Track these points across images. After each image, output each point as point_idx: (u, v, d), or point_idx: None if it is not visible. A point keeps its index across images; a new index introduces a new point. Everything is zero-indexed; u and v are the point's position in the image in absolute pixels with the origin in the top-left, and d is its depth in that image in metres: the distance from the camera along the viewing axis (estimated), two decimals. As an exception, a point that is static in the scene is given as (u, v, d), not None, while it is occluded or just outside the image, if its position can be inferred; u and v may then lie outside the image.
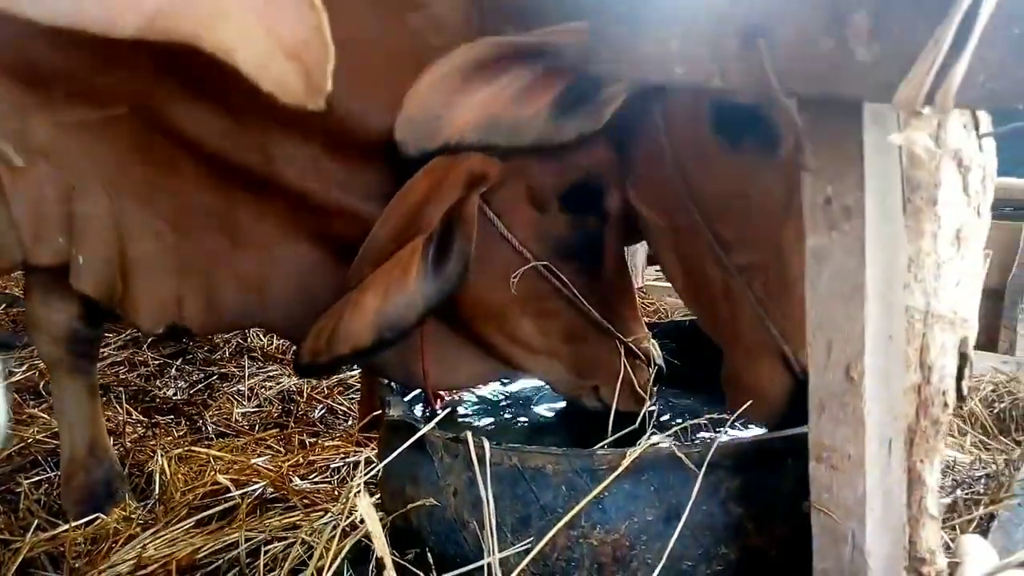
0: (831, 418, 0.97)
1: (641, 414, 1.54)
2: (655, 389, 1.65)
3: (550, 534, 1.19)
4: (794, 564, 1.30)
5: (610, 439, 1.45)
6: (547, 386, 1.78)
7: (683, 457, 1.23)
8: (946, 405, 1.17)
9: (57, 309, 1.73)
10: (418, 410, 1.76)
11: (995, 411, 2.27)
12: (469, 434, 1.35)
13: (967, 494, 1.80)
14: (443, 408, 1.79)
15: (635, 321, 1.66)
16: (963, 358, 1.22)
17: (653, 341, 1.69)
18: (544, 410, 1.86)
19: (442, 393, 1.80)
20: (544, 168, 1.51)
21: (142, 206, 1.58)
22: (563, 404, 1.82)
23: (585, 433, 1.58)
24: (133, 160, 1.55)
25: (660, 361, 1.68)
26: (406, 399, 1.82)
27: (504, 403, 1.93)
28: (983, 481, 1.89)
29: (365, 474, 1.42)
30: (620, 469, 1.22)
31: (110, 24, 0.86)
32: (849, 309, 0.93)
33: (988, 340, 2.91)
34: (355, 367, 2.92)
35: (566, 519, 1.20)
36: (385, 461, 1.38)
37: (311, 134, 1.49)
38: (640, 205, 1.52)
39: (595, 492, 1.20)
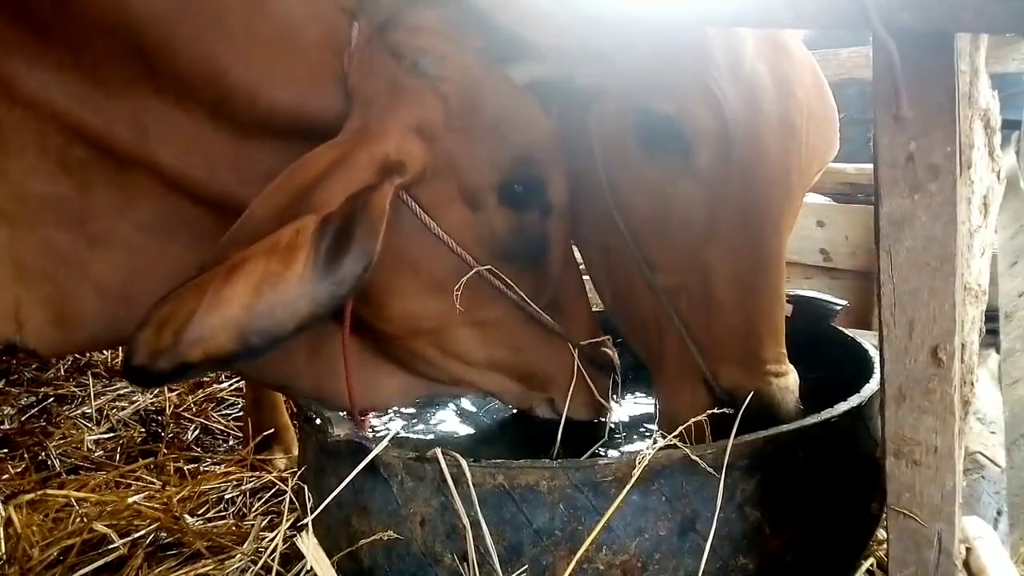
0: (913, 407, 0.84)
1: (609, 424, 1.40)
2: (615, 396, 1.47)
3: (570, 565, 1.00)
4: (806, 567, 1.20)
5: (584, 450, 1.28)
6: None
7: (698, 460, 1.08)
8: (971, 384, 1.10)
9: None
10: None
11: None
12: (439, 451, 1.13)
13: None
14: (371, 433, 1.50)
15: (589, 322, 1.48)
16: (979, 334, 1.16)
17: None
18: (482, 418, 1.65)
19: (366, 417, 1.49)
20: (476, 159, 1.30)
21: None
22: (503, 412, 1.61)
23: (533, 442, 1.40)
24: None
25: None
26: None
27: (433, 411, 1.71)
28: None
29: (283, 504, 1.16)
30: (633, 479, 1.05)
31: None
32: (937, 282, 0.81)
33: (861, 320, 3.02)
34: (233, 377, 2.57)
35: (584, 546, 1.00)
36: (337, 490, 1.13)
37: (196, 104, 1.21)
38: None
39: (613, 507, 1.02)
